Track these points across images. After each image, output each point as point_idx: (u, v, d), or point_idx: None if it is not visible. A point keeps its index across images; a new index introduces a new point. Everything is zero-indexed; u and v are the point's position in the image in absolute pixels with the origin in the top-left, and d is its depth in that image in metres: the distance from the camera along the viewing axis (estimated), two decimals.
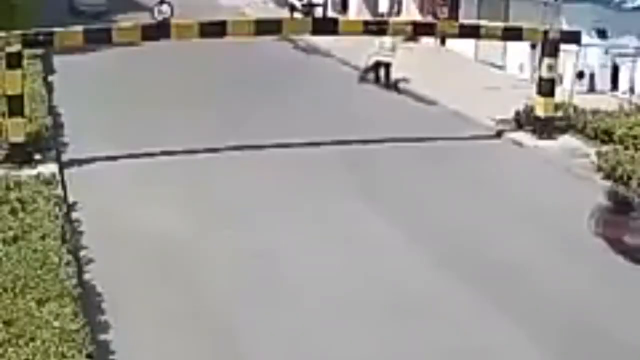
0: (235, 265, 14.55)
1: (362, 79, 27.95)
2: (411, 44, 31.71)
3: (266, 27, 21.00)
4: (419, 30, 23.51)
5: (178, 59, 27.63)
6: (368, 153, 20.55)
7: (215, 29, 20.20)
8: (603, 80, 26.11)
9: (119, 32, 20.12)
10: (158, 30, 19.60)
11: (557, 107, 22.50)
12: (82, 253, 14.62)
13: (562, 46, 22.30)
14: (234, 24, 20.73)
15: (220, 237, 15.59)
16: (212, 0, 40.29)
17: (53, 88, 25.58)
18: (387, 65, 27.36)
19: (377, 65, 27.48)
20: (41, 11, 31.01)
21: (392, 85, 27.31)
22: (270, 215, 16.57)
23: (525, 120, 22.43)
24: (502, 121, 22.89)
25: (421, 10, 34.50)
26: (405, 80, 27.50)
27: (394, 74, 27.37)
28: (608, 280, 14.24)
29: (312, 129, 21.71)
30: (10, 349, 10.46)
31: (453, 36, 25.15)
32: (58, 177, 17.59)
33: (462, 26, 22.28)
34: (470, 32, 22.79)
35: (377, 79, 27.53)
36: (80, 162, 19.57)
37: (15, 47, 18.64)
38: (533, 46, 25.76)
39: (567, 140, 21.52)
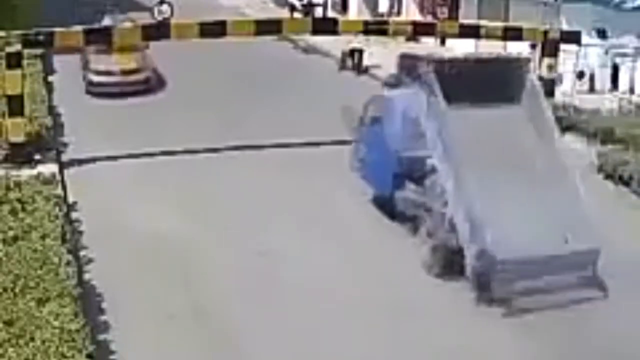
0: (235, 265, 14.57)
1: (341, 68, 29.97)
2: (411, 44, 31.69)
3: (266, 27, 20.99)
4: (419, 30, 23.52)
5: (178, 58, 27.59)
6: None
7: (215, 29, 20.20)
8: (603, 80, 26.09)
9: (119, 32, 20.12)
10: (158, 31, 19.61)
11: (557, 107, 22.49)
12: (82, 253, 14.64)
13: (562, 46, 22.31)
14: (234, 24, 20.73)
15: (220, 237, 15.60)
16: (212, 0, 40.26)
17: (53, 88, 25.57)
18: (360, 52, 29.60)
19: (352, 52, 29.66)
20: (42, 11, 31.00)
21: (363, 70, 29.45)
22: (270, 215, 16.58)
23: None
24: None
25: (421, 10, 34.47)
26: (378, 67, 28.94)
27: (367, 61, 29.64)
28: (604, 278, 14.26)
29: (313, 130, 21.68)
30: (10, 349, 10.47)
31: (453, 36, 25.15)
32: (58, 177, 17.60)
33: (462, 26, 22.29)
34: (470, 32, 22.78)
35: (353, 66, 29.76)
36: (80, 162, 19.59)
37: (15, 47, 18.65)
38: (533, 46, 25.74)
39: (567, 140, 21.47)
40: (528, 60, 15.86)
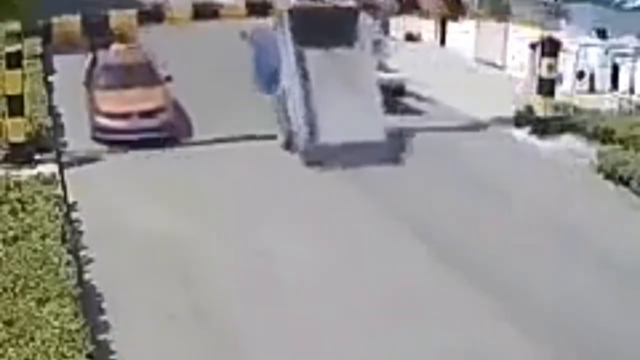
0: (235, 265, 14.57)
1: None
2: (410, 44, 31.74)
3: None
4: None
5: (177, 58, 27.58)
6: None
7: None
8: (603, 80, 26.08)
9: (116, 19, 20.26)
10: (152, 18, 20.50)
11: (557, 107, 22.50)
12: (82, 253, 14.64)
13: (562, 46, 22.31)
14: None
15: (220, 237, 15.60)
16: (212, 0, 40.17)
17: (53, 88, 25.56)
18: None
19: None
20: (42, 11, 30.94)
21: None
22: (269, 215, 16.58)
23: (525, 120, 22.43)
24: (502, 121, 22.88)
25: None
26: None
27: None
28: (604, 279, 14.27)
29: None
30: (10, 349, 10.48)
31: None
32: (58, 177, 17.60)
33: None
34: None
35: None
36: (80, 162, 19.59)
37: (15, 47, 18.67)
38: (533, 46, 25.75)
39: (567, 140, 21.51)
40: (359, 10, 21.30)
